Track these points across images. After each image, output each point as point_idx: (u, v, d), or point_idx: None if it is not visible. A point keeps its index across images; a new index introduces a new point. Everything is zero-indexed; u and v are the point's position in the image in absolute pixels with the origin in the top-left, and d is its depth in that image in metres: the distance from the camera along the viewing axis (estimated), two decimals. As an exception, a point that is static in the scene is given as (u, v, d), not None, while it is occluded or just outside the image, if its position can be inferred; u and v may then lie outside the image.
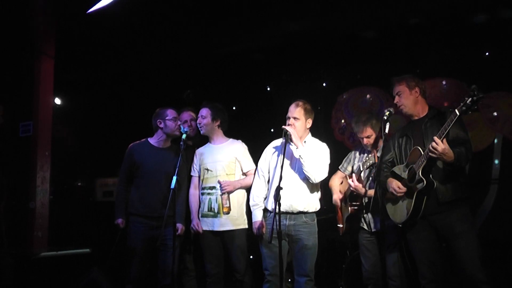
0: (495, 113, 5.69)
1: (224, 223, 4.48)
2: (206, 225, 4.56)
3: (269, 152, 4.48)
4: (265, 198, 4.38)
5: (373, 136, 4.38)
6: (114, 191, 6.99)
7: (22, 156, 5.63)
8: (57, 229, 5.99)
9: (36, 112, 5.63)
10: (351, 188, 4.37)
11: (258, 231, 4.28)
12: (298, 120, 4.27)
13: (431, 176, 3.61)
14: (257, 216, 4.34)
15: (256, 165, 4.56)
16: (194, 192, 4.71)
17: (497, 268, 4.61)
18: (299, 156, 4.13)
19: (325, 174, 4.25)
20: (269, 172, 4.41)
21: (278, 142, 4.46)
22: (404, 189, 3.75)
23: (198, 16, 5.92)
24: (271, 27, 6.01)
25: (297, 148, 4.16)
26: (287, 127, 4.19)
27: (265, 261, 4.25)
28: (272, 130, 6.12)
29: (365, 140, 4.40)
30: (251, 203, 4.42)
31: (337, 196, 4.60)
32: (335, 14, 5.67)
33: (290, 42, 6.14)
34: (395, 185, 3.80)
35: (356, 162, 4.58)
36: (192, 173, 4.75)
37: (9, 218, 5.20)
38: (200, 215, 4.61)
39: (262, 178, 4.42)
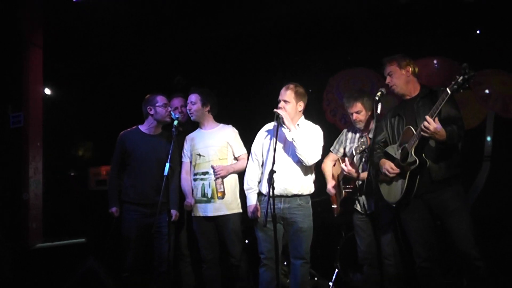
0: (487, 91, 5.68)
1: (218, 208, 4.48)
2: (200, 210, 4.55)
3: (262, 136, 4.47)
4: (259, 182, 4.38)
5: (363, 113, 4.34)
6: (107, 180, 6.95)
7: (13, 148, 5.58)
8: (51, 220, 5.97)
9: (27, 102, 5.56)
10: (344, 173, 4.37)
11: (253, 214, 4.29)
12: (288, 103, 4.25)
13: (424, 155, 3.62)
14: (252, 200, 4.34)
15: (248, 150, 4.55)
16: (186, 177, 4.69)
17: (490, 245, 4.64)
18: (292, 139, 4.12)
19: (318, 157, 4.25)
20: (262, 156, 4.40)
21: (271, 125, 4.44)
22: (397, 170, 3.76)
23: (186, 1, 5.86)
24: (260, 10, 5.95)
25: (289, 131, 4.14)
26: (278, 110, 4.17)
27: (261, 245, 4.27)
28: (263, 114, 6.08)
29: (355, 116, 4.35)
30: (245, 187, 4.41)
31: (331, 185, 4.57)
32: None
33: (280, 25, 6.09)
34: (388, 166, 3.81)
35: (348, 143, 4.56)
36: (183, 159, 4.73)
37: (3, 210, 5.19)
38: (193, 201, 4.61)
39: (255, 162, 4.42)
